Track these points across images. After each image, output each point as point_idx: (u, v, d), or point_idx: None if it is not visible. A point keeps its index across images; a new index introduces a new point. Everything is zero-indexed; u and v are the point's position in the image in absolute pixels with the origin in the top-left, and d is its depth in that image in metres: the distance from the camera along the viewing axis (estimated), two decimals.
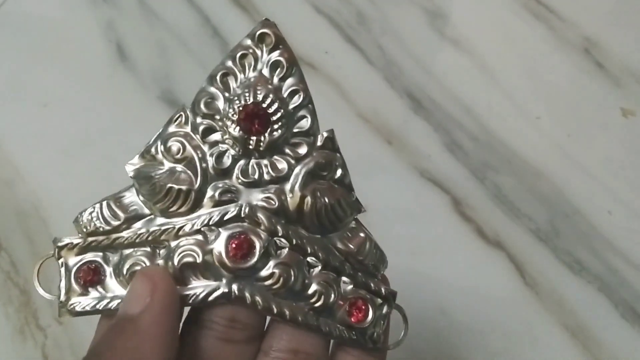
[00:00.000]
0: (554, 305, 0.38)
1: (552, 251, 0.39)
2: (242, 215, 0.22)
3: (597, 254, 0.39)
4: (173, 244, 0.23)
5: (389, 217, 0.41)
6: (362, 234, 0.24)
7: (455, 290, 0.39)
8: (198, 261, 0.22)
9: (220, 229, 0.22)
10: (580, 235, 0.40)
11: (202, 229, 0.22)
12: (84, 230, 0.23)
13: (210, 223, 0.22)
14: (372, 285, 0.24)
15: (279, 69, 0.23)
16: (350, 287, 0.24)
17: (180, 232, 0.23)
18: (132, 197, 0.24)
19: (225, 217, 0.22)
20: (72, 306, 0.23)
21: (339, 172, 0.24)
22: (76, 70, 0.47)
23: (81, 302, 0.23)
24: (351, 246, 0.24)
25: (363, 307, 0.24)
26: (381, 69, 0.46)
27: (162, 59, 0.47)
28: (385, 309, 0.24)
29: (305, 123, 0.23)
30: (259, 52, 0.23)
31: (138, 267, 0.23)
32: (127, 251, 0.23)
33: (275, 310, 0.22)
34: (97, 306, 0.23)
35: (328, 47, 0.47)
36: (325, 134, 0.23)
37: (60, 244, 0.24)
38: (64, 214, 0.42)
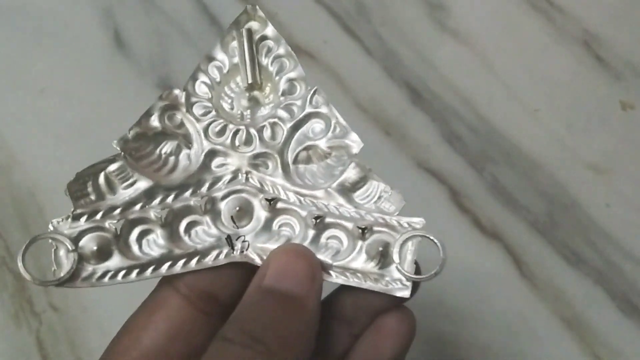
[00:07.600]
0: (551, 296, 0.38)
1: (550, 243, 0.39)
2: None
3: (594, 246, 0.39)
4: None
5: None
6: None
7: (452, 281, 0.38)
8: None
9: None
10: (578, 227, 0.40)
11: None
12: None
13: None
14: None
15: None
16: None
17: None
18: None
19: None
20: None
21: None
22: (73, 57, 0.46)
23: None
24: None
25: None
26: (380, 60, 0.46)
27: (160, 46, 0.46)
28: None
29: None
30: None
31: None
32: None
33: None
34: None
35: (327, 36, 0.46)
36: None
37: None
38: (60, 200, 0.41)
